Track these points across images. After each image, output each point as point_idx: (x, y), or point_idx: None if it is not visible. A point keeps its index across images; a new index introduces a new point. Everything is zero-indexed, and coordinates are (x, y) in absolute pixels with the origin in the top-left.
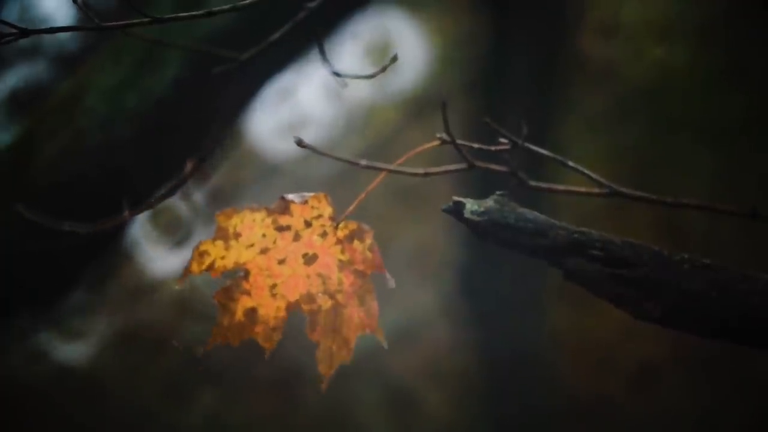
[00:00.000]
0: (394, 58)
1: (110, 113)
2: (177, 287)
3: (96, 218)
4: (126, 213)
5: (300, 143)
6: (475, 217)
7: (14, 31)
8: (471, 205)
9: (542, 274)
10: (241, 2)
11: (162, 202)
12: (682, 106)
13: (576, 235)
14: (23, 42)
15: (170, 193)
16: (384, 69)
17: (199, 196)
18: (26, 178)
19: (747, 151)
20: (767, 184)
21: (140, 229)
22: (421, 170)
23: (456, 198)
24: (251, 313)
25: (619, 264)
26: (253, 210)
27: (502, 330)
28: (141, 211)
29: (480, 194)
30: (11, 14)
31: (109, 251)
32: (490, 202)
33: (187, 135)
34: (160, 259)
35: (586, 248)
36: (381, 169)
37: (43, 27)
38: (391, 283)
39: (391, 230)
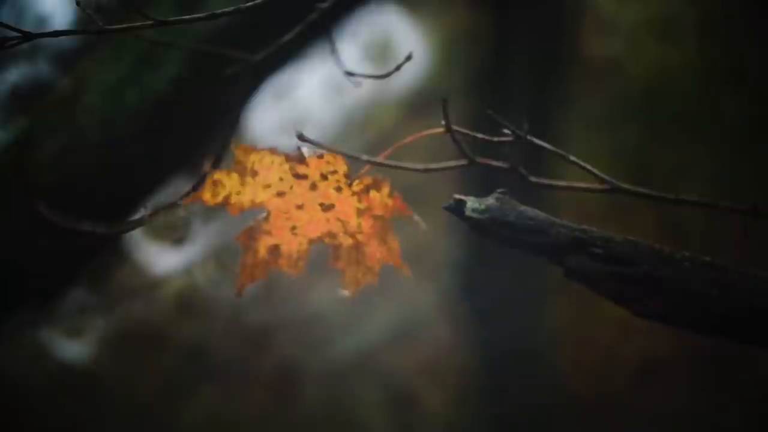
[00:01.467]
0: (409, 57)
1: (110, 111)
2: (183, 206)
3: (97, 216)
4: (147, 214)
5: (301, 137)
6: (476, 215)
7: (17, 34)
8: (472, 203)
9: (542, 273)
10: (244, 5)
11: (182, 203)
12: (682, 105)
13: (577, 233)
14: None
15: (191, 192)
16: (399, 68)
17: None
18: (26, 176)
19: (747, 150)
20: (767, 182)
21: (140, 228)
22: (421, 166)
23: (457, 196)
24: (274, 249)
25: (620, 262)
26: (272, 152)
27: (502, 328)
28: (162, 213)
29: (480, 193)
30: (8, 13)
31: (108, 249)
32: (491, 200)
33: (187, 133)
34: (159, 257)
35: (587, 246)
36: (382, 164)
37: (41, 24)
38: (422, 225)
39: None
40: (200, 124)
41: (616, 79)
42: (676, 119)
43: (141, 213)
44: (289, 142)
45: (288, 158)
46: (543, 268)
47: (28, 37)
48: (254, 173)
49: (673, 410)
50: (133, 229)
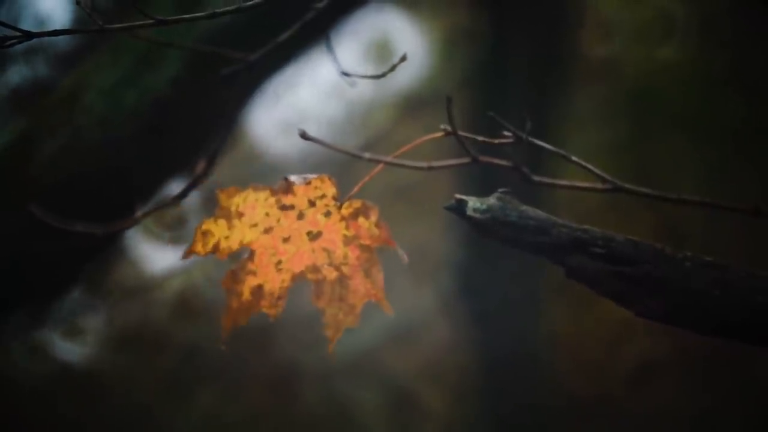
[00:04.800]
0: (404, 58)
1: (109, 111)
2: (182, 259)
3: (95, 217)
4: (138, 214)
5: (304, 135)
6: (477, 215)
7: (17, 33)
8: (473, 203)
9: (542, 273)
10: (244, 3)
11: (175, 203)
12: (681, 105)
13: (578, 233)
14: None
15: (184, 193)
16: (393, 68)
17: (197, 195)
18: (25, 177)
19: (744, 151)
20: (766, 183)
21: (138, 228)
22: (424, 164)
23: (458, 196)
24: (257, 290)
25: (621, 261)
26: (256, 189)
27: (501, 329)
28: (153, 213)
29: (480, 193)
30: (6, 14)
31: (107, 250)
32: (492, 200)
33: (186, 133)
34: (158, 257)
35: (588, 246)
36: (385, 162)
37: (40, 25)
38: (404, 257)
39: (389, 229)
40: (199, 125)
41: (614, 79)
42: (675, 119)
43: (136, 212)
44: (287, 142)
45: (273, 191)
46: (542, 269)
47: (28, 36)
48: (240, 215)
49: (673, 410)
50: (126, 228)
